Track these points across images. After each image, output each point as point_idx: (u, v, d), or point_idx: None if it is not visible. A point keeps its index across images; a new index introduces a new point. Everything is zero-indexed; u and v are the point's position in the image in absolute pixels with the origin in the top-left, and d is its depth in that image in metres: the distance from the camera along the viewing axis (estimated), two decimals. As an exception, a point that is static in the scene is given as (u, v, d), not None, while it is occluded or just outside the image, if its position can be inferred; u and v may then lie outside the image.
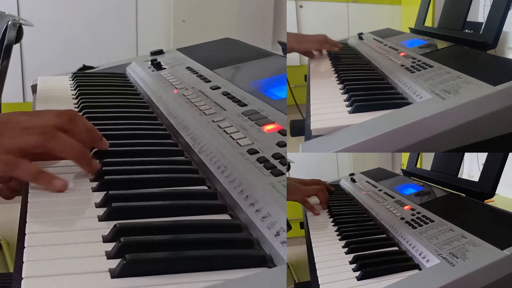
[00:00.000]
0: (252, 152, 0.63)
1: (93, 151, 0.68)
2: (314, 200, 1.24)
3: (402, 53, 1.07)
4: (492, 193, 1.07)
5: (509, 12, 1.01)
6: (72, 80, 1.12)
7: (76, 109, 0.91)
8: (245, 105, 0.80)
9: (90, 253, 0.46)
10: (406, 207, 1.04)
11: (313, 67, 1.14)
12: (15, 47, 1.36)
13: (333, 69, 1.08)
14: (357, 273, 0.73)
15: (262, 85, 0.89)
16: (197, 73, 1.04)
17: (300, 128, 0.82)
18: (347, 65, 1.10)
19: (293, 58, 2.08)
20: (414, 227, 0.87)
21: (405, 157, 2.01)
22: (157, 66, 1.14)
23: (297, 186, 1.21)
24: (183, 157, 0.71)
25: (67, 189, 0.59)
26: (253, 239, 0.51)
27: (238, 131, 0.70)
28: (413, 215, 0.95)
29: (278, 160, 0.60)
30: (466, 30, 1.24)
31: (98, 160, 0.65)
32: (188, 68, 1.09)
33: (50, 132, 0.60)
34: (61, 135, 0.61)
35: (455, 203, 1.11)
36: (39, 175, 0.59)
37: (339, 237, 0.95)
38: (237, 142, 0.67)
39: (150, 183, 0.60)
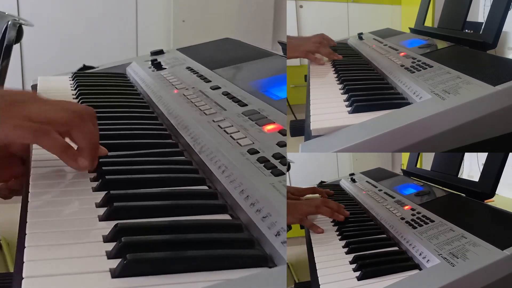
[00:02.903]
0: (253, 152, 0.63)
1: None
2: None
3: (402, 53, 1.07)
4: (492, 193, 1.07)
5: (509, 12, 1.01)
6: (72, 80, 1.12)
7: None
8: (245, 105, 0.80)
9: (90, 253, 0.46)
10: (406, 207, 1.04)
11: (313, 67, 1.14)
12: (15, 47, 1.36)
13: (333, 69, 1.08)
14: (357, 273, 0.73)
15: (262, 85, 0.89)
16: (197, 73, 1.04)
17: (300, 128, 0.82)
18: (347, 65, 1.10)
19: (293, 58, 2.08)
20: (414, 227, 0.87)
21: (405, 157, 2.01)
22: (157, 66, 1.14)
23: (293, 204, 1.05)
24: (184, 157, 0.71)
25: (90, 169, 0.60)
26: (254, 239, 0.51)
27: (239, 131, 0.70)
28: (413, 215, 0.95)
29: (278, 160, 0.60)
30: (466, 30, 1.25)
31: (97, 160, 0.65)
32: (188, 68, 1.09)
33: (80, 114, 0.60)
34: (88, 122, 0.61)
35: (455, 203, 1.11)
36: (68, 150, 0.59)
37: (339, 237, 0.95)
38: (237, 142, 0.67)
39: (151, 183, 0.60)
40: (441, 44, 1.17)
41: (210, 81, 0.96)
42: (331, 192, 1.40)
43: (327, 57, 1.17)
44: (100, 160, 0.65)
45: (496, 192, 1.09)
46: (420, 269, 0.73)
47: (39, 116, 0.58)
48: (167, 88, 0.97)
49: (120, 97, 0.99)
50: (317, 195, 1.34)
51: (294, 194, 1.28)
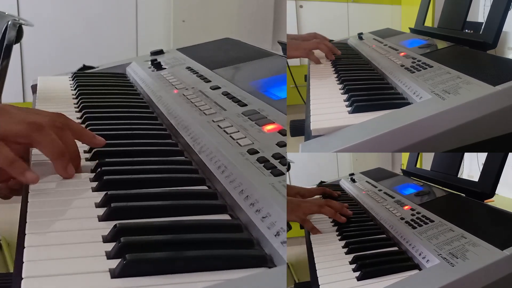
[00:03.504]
0: (252, 152, 0.63)
1: (94, 150, 0.68)
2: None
3: (402, 53, 1.07)
4: (492, 193, 1.07)
5: (509, 12, 1.01)
6: (72, 80, 1.12)
7: (76, 109, 0.91)
8: (245, 105, 0.80)
9: (90, 253, 0.46)
10: (406, 207, 1.04)
11: (313, 67, 1.14)
12: (15, 47, 1.36)
13: (333, 69, 1.08)
14: (357, 273, 0.73)
15: (262, 85, 0.89)
16: (197, 73, 1.04)
17: (300, 128, 0.82)
18: (347, 65, 1.11)
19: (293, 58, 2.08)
20: (414, 227, 0.87)
21: (405, 157, 2.01)
22: (157, 66, 1.14)
23: (296, 202, 1.05)
24: (183, 157, 0.71)
25: (38, 182, 0.59)
26: (253, 239, 0.51)
27: (238, 131, 0.70)
28: (413, 215, 0.95)
29: (278, 160, 0.60)
30: (466, 30, 1.25)
31: (97, 161, 0.65)
32: (188, 68, 1.09)
33: (38, 125, 0.60)
34: (48, 131, 0.60)
35: (455, 203, 1.11)
36: (14, 163, 0.59)
37: (339, 237, 0.95)
38: (237, 142, 0.67)
39: (150, 183, 0.60)
40: (441, 44, 1.17)
41: (210, 81, 0.96)
42: (339, 193, 1.39)
43: (327, 53, 1.17)
44: (100, 160, 0.65)
45: (496, 192, 1.09)
46: (420, 269, 0.73)
47: None
48: (167, 88, 0.97)
49: (120, 97, 0.99)
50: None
51: (305, 196, 1.27)
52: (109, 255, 0.45)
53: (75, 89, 1.04)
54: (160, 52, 1.29)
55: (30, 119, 0.61)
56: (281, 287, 0.43)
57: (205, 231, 0.51)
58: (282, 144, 0.64)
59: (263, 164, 0.60)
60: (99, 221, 0.52)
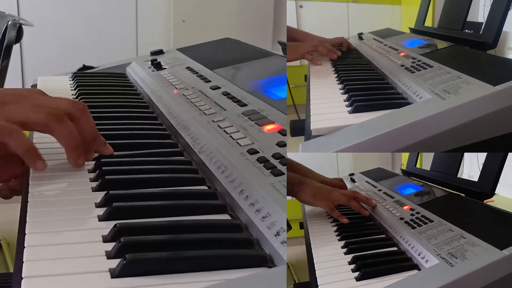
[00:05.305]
0: (252, 152, 0.63)
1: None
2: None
3: (402, 53, 1.07)
4: (491, 193, 1.07)
5: (509, 12, 1.01)
6: (72, 80, 1.12)
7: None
8: (245, 105, 0.80)
9: (90, 253, 0.46)
10: (406, 207, 1.04)
11: (313, 67, 1.14)
12: (15, 47, 1.36)
13: (333, 69, 1.08)
14: (356, 274, 0.73)
15: (262, 85, 0.89)
16: (197, 73, 1.04)
17: (300, 128, 0.82)
18: (347, 65, 1.11)
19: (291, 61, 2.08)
20: (414, 227, 0.87)
21: (405, 157, 2.01)
22: (157, 66, 1.14)
23: (328, 190, 1.08)
24: (183, 157, 0.71)
25: (45, 169, 0.60)
26: (253, 239, 0.51)
27: (238, 131, 0.70)
28: (412, 215, 0.95)
29: (278, 160, 0.60)
30: (466, 30, 1.25)
31: (96, 161, 0.65)
32: (188, 68, 1.09)
33: (58, 114, 0.60)
34: (67, 121, 0.61)
35: (454, 203, 1.11)
36: (30, 151, 0.59)
37: (339, 237, 0.95)
38: (237, 142, 0.67)
39: (150, 183, 0.60)
40: (441, 44, 1.17)
41: (210, 81, 0.96)
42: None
43: (326, 55, 1.17)
44: (100, 160, 0.65)
45: (496, 192, 1.09)
46: (419, 270, 0.73)
47: (15, 116, 0.58)
48: (167, 88, 0.97)
49: (120, 97, 0.99)
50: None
51: (326, 183, 1.29)
52: (109, 255, 0.45)
53: (75, 89, 1.04)
54: (160, 52, 1.29)
55: (50, 107, 0.60)
56: (281, 287, 0.43)
57: (205, 231, 0.51)
58: (282, 144, 0.64)
59: (263, 164, 0.60)
60: (99, 221, 0.52)
